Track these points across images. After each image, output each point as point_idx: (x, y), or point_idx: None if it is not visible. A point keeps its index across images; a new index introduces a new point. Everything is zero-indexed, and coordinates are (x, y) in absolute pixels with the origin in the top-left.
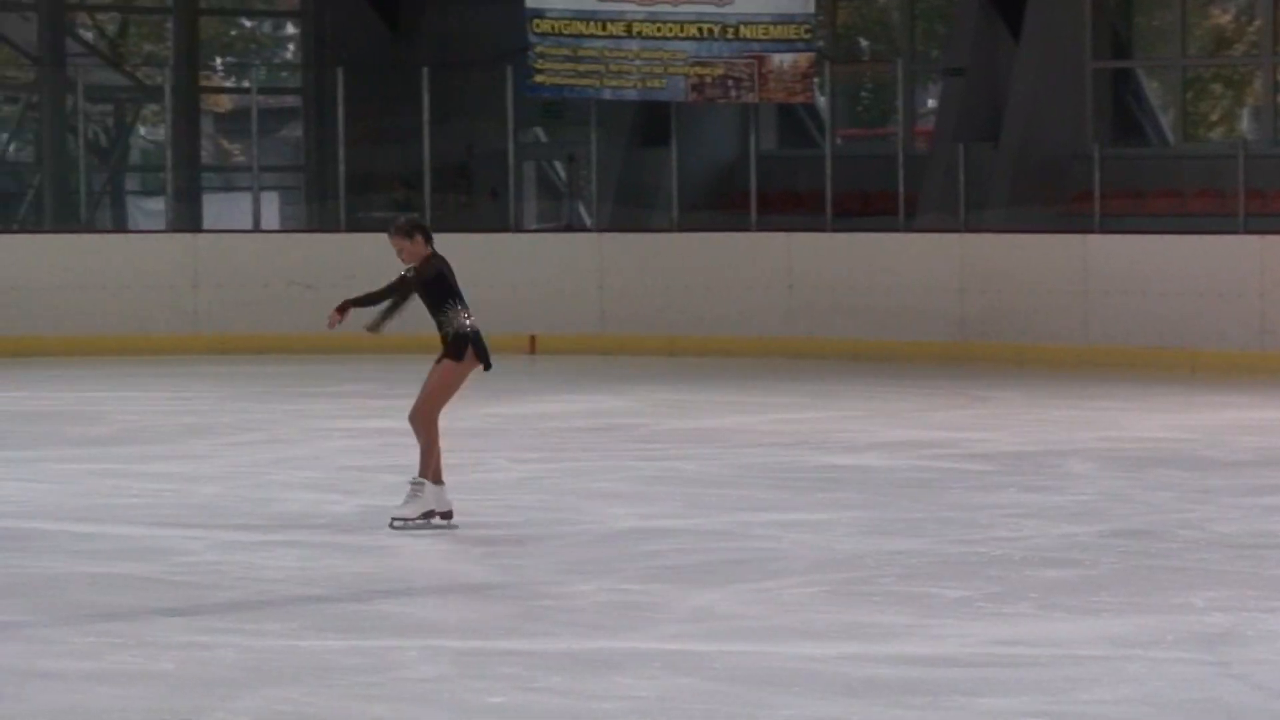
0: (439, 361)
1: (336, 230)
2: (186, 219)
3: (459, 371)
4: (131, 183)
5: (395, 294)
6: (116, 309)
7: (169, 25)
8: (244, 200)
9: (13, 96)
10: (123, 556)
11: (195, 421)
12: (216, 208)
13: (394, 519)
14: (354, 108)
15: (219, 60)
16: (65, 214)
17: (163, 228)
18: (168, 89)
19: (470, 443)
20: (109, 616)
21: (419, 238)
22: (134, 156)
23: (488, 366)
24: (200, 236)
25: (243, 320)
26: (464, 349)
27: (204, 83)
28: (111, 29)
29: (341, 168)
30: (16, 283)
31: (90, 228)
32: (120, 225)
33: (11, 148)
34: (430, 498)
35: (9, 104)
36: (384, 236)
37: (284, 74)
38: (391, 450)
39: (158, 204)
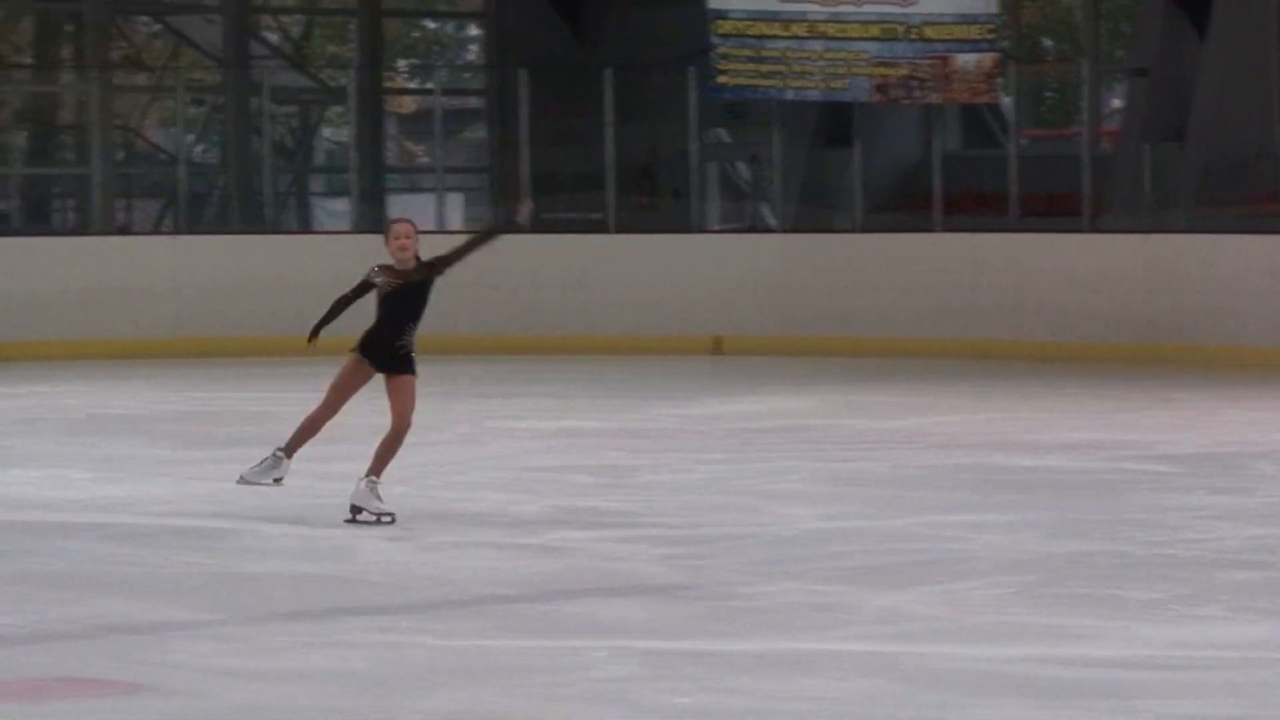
0: (396, 376)
1: (521, 231)
2: (371, 220)
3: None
4: (316, 184)
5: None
6: (301, 310)
7: (352, 27)
8: (428, 201)
9: (199, 99)
10: (313, 556)
11: (379, 421)
12: (400, 209)
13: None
14: (537, 109)
15: (402, 62)
16: (251, 215)
17: (347, 229)
18: (352, 90)
19: (655, 444)
20: (300, 616)
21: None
22: (318, 158)
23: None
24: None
25: (427, 321)
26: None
27: (387, 84)
28: (296, 31)
29: (525, 169)
30: (203, 283)
31: (275, 229)
32: (305, 226)
33: (198, 150)
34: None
35: (195, 106)
36: (568, 237)
37: (467, 75)
38: (578, 451)
39: (342, 205)
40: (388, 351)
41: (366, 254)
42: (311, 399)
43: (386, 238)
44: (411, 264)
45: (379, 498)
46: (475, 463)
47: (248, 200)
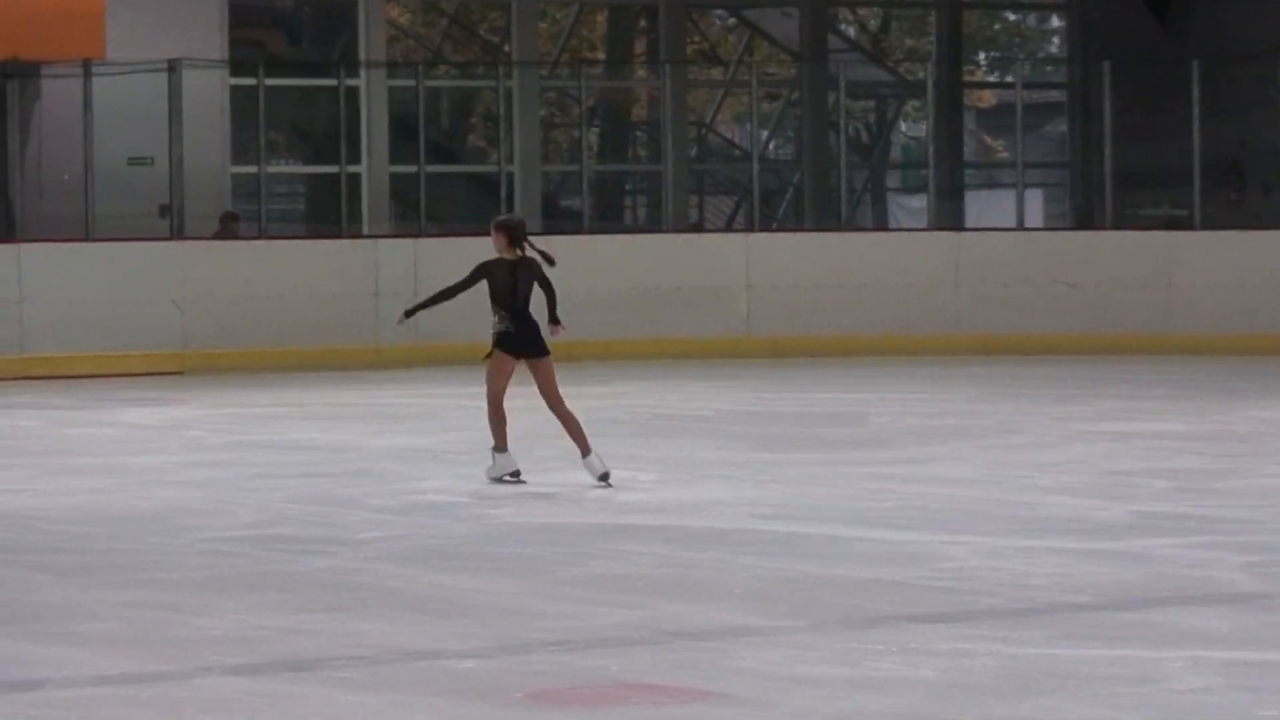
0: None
1: (1102, 228)
2: (949, 217)
3: (493, 364)
4: (892, 180)
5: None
6: (876, 309)
7: (931, 20)
8: (1007, 198)
9: (774, 93)
10: (884, 561)
11: (955, 423)
12: (979, 205)
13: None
14: (1120, 102)
15: (982, 55)
16: (826, 213)
17: (924, 226)
18: (930, 84)
19: (1239, 448)
20: (870, 623)
21: (502, 235)
22: (895, 153)
23: (516, 356)
24: (963, 235)
25: (1005, 320)
26: (494, 346)
27: (966, 78)
28: (874, 24)
29: (1108, 164)
30: (776, 282)
31: (851, 226)
32: (881, 224)
33: (771, 145)
34: (502, 462)
35: (769, 101)
36: (1151, 234)
37: (1048, 68)
38: (1159, 454)
39: (919, 202)
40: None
41: (944, 251)
42: (890, 398)
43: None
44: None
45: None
46: (1052, 466)
47: (823, 197)
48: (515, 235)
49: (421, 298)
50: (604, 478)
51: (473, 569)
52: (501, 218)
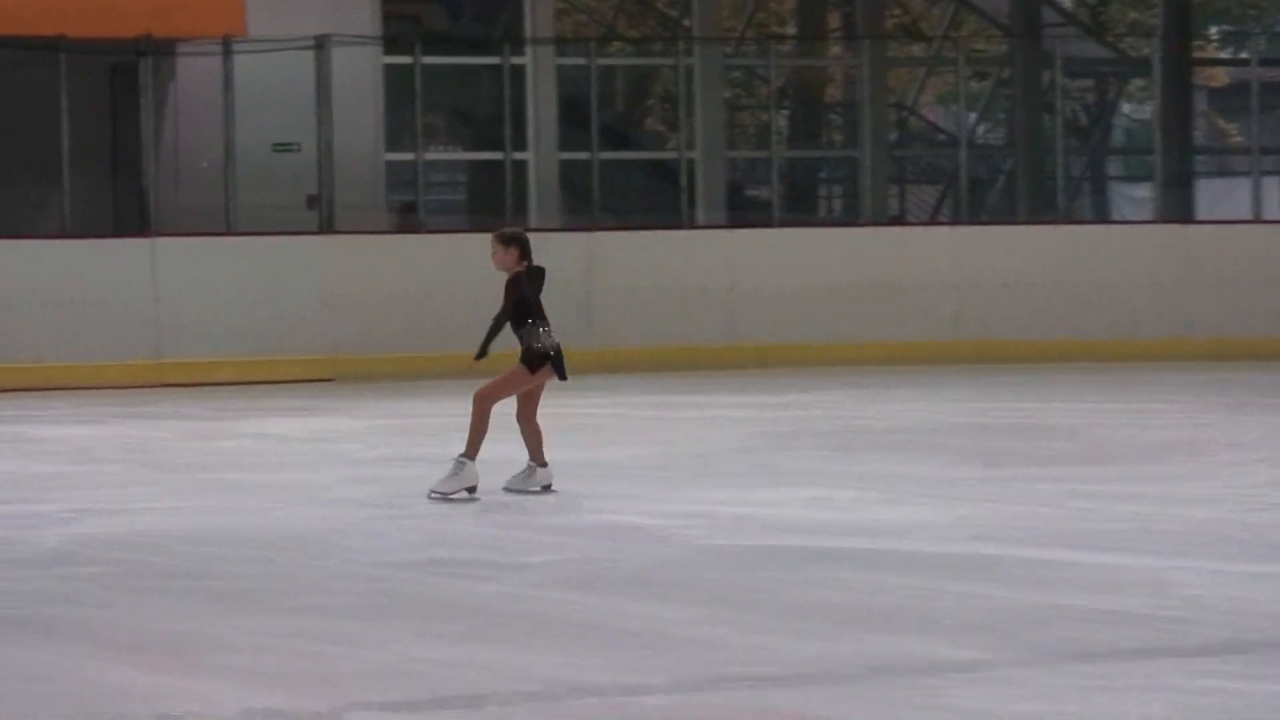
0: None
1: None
2: (1176, 208)
3: (530, 380)
4: (1114, 167)
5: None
6: (1096, 309)
7: None
8: (1242, 186)
9: (982, 72)
10: (1103, 588)
11: (1183, 436)
12: (1210, 195)
13: (432, 491)
14: None
15: (1213, 29)
16: (1040, 203)
17: (1149, 218)
18: (1155, 61)
19: None
20: (1088, 656)
21: (514, 249)
22: (1117, 137)
23: (563, 378)
24: (1192, 228)
25: (1239, 322)
26: (540, 363)
27: (1196, 54)
28: None
29: None
30: (985, 279)
31: (1068, 218)
32: (1101, 215)
33: (980, 129)
34: (469, 474)
35: (978, 80)
36: None
37: None
38: None
39: (1144, 191)
40: None
41: (1170, 245)
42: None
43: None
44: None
45: (457, 474)
46: None
47: (1037, 186)
48: (527, 248)
49: (482, 337)
50: (548, 487)
51: (653, 595)
52: (510, 230)
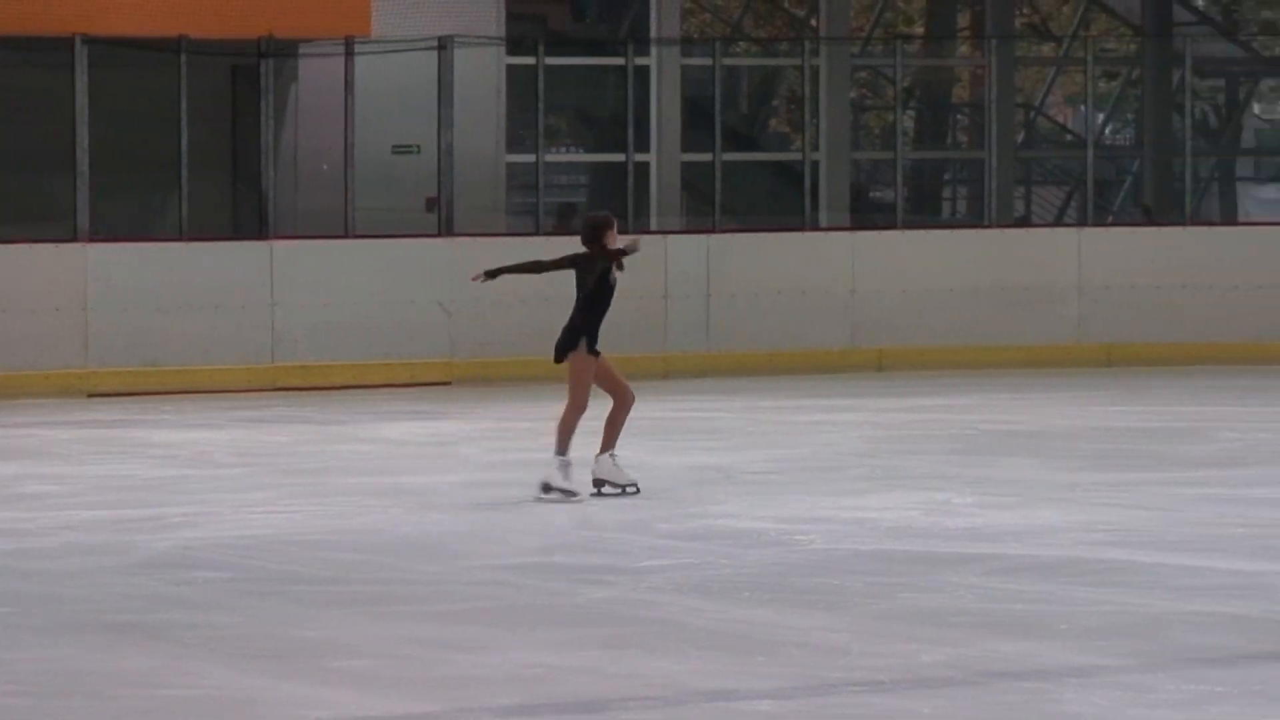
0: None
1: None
2: None
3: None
4: (1244, 168)
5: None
6: (1225, 312)
7: None
8: None
9: (1111, 71)
10: (1230, 594)
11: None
12: None
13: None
14: None
15: None
16: (1168, 204)
17: (1278, 220)
18: None
19: None
20: (1212, 663)
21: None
22: (1247, 138)
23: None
24: None
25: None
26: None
27: None
28: None
29: None
30: (1113, 281)
31: (1197, 220)
32: (1231, 217)
33: (1108, 130)
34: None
35: (1106, 80)
36: None
37: None
38: None
39: (1274, 193)
40: (597, 337)
41: None
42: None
43: (606, 232)
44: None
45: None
46: None
47: (1165, 187)
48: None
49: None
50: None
51: (771, 601)
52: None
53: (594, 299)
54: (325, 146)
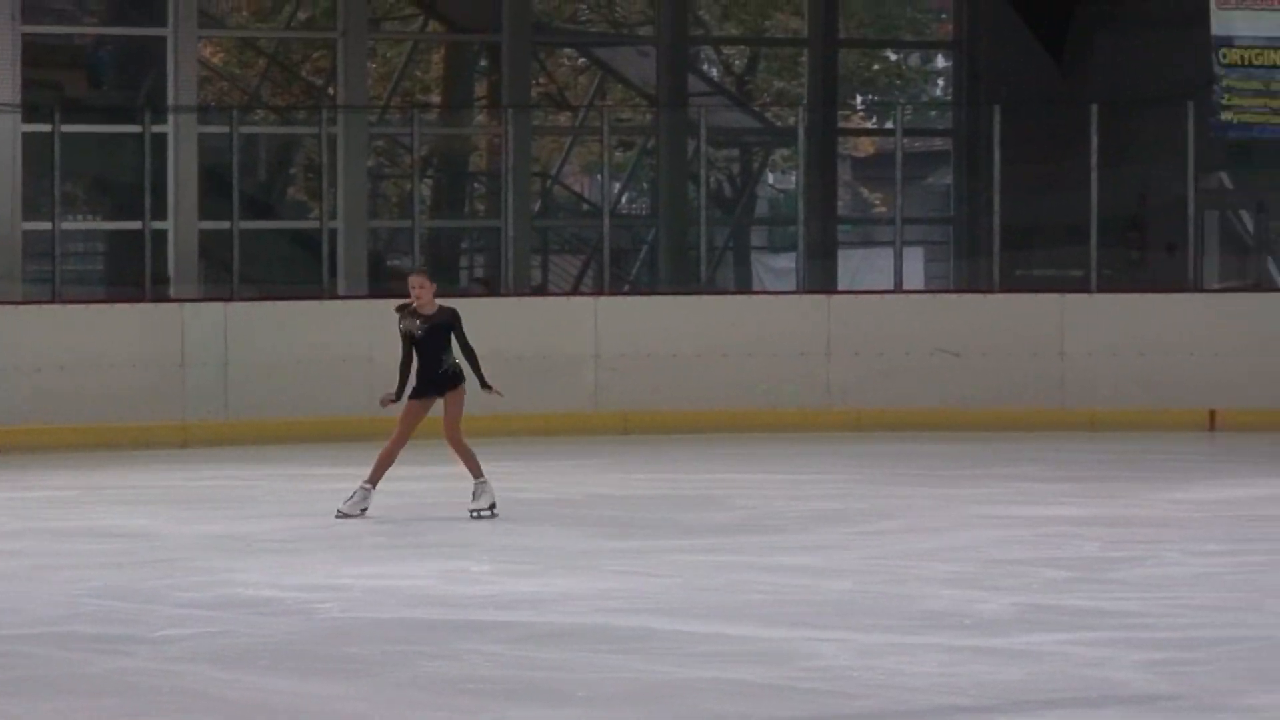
0: (451, 391)
1: (989, 291)
2: (819, 278)
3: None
4: (758, 237)
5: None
6: (739, 379)
7: (803, 59)
8: (884, 256)
9: (627, 140)
10: (746, 660)
11: (826, 507)
12: (854, 265)
13: (471, 511)
14: (1011, 151)
15: (859, 98)
16: (683, 273)
17: (792, 288)
18: (801, 131)
19: (1137, 534)
20: None
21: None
22: (760, 208)
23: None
24: (835, 298)
25: (881, 392)
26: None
27: (841, 124)
28: (739, 65)
29: (996, 220)
30: (628, 350)
31: (711, 288)
32: (744, 286)
33: (624, 198)
34: (490, 489)
35: (622, 149)
36: (1043, 297)
37: (933, 113)
38: (1050, 541)
39: (787, 261)
40: (436, 381)
41: (814, 316)
42: (754, 479)
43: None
44: (431, 308)
45: (484, 492)
46: (931, 554)
47: (680, 256)
48: None
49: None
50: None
51: (291, 670)
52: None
53: (413, 354)
54: None
